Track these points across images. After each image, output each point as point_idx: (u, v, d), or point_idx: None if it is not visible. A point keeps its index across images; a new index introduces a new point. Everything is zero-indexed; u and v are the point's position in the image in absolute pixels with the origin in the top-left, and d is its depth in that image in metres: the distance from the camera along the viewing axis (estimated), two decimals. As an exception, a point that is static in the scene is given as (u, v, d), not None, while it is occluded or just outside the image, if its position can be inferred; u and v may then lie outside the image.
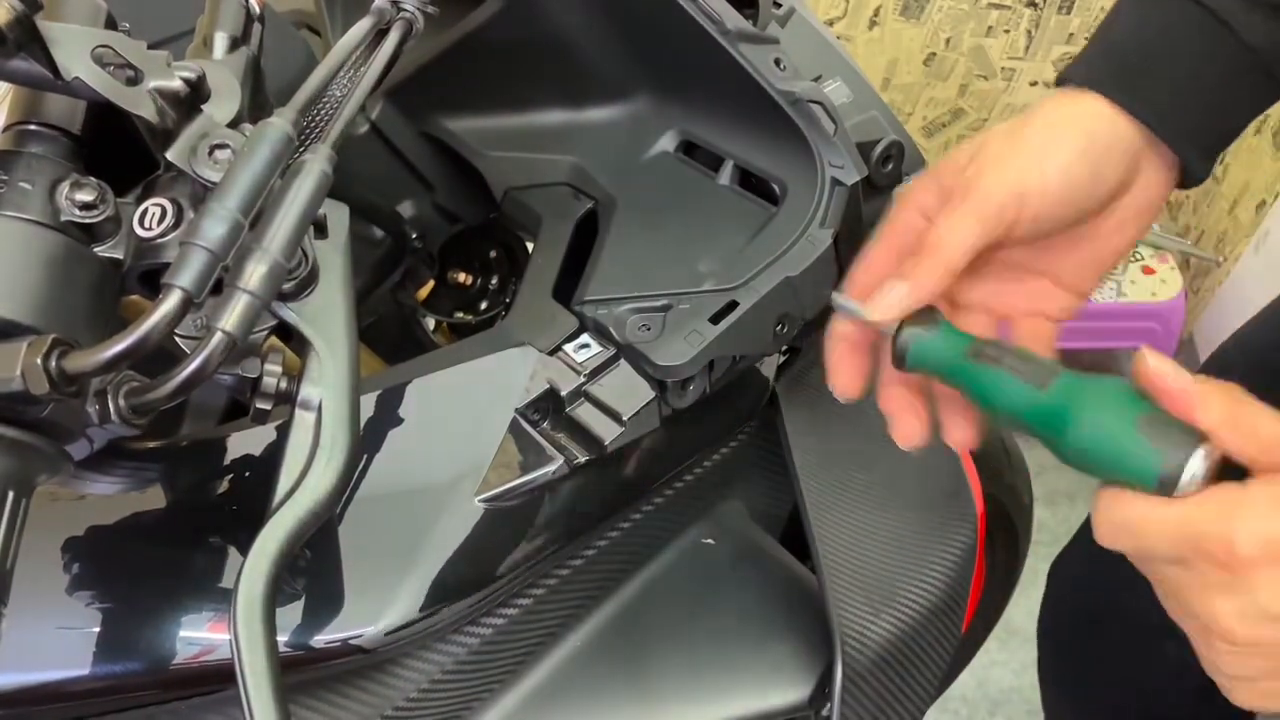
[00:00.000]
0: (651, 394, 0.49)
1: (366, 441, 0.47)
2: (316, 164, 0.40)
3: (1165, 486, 0.38)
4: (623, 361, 0.50)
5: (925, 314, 0.45)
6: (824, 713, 0.55)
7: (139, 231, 0.39)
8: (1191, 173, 0.49)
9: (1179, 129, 0.47)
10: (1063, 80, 0.49)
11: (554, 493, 0.50)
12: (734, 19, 0.49)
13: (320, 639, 0.45)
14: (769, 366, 0.62)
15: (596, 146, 0.59)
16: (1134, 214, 0.49)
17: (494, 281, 0.73)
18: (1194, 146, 0.48)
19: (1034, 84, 1.87)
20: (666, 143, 0.57)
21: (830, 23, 1.76)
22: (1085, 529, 0.92)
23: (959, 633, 0.61)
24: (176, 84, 0.39)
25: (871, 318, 0.45)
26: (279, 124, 0.38)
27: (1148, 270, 1.73)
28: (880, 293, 0.45)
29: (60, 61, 0.37)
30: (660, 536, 0.59)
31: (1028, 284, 0.50)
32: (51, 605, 0.44)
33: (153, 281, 0.41)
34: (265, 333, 0.43)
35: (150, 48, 0.39)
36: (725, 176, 0.55)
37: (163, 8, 0.51)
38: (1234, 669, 0.40)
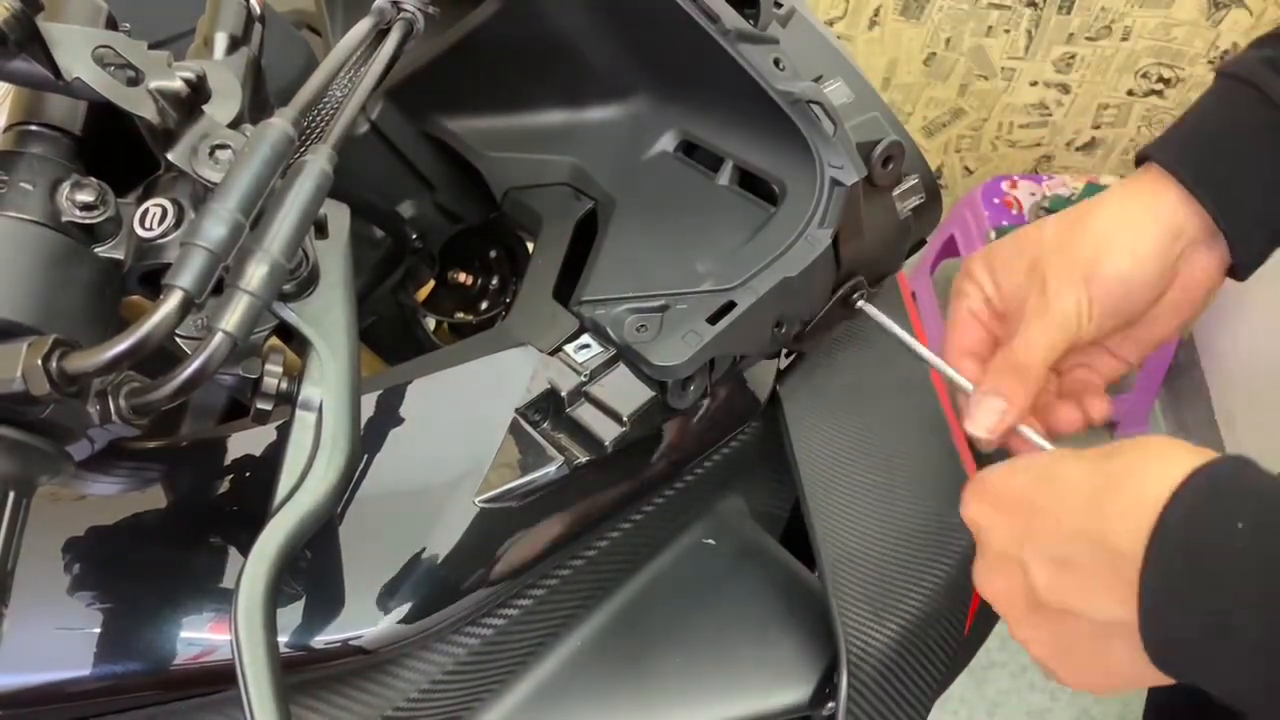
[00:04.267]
0: (652, 394, 0.49)
1: (367, 442, 0.47)
2: (317, 164, 0.40)
3: None
4: (623, 362, 0.50)
5: None
6: (824, 713, 0.55)
7: (140, 232, 0.39)
8: (1241, 267, 0.52)
9: (1240, 222, 0.51)
10: (1141, 158, 0.53)
11: (554, 493, 0.50)
12: (732, 18, 0.49)
13: (321, 639, 0.45)
14: (771, 366, 0.62)
15: (596, 147, 0.59)
16: (1185, 302, 0.53)
17: (494, 281, 0.73)
18: (1248, 243, 0.51)
19: (1034, 84, 1.87)
20: (666, 143, 0.57)
21: (830, 23, 1.77)
22: None
23: (961, 636, 0.61)
24: (177, 84, 0.39)
25: (977, 433, 0.50)
26: (280, 124, 0.38)
27: (1147, 270, 1.73)
28: (980, 409, 0.50)
29: (61, 62, 0.37)
30: (661, 537, 0.59)
31: (1084, 349, 0.55)
32: (52, 606, 0.44)
33: (153, 282, 0.41)
34: (266, 333, 0.43)
35: (151, 48, 0.39)
36: (724, 176, 0.55)
37: (163, 8, 0.51)
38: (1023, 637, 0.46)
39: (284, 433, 0.41)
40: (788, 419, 0.61)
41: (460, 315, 0.72)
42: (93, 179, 0.40)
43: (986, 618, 0.98)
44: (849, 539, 0.58)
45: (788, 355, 0.64)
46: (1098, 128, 1.97)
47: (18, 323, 0.36)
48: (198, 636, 0.44)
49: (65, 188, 0.39)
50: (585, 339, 0.50)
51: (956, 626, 0.60)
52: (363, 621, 0.45)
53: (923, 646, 0.57)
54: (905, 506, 0.62)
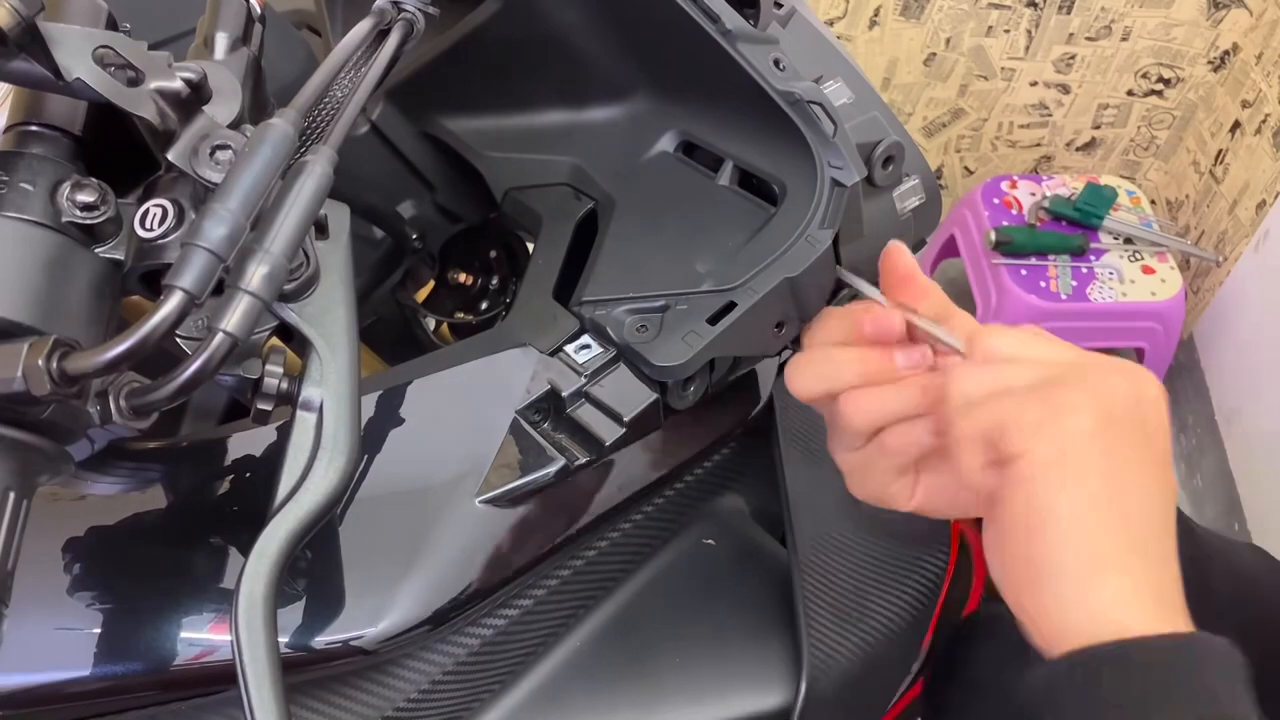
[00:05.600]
0: (652, 395, 0.49)
1: (367, 442, 0.47)
2: (318, 165, 0.40)
3: None
4: (623, 362, 0.50)
5: None
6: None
7: (140, 232, 0.39)
8: None
9: None
10: None
11: (555, 494, 0.50)
12: (732, 18, 0.49)
13: (321, 640, 0.45)
14: (771, 367, 0.62)
15: (596, 147, 0.59)
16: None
17: (494, 282, 0.73)
18: None
19: (1034, 84, 1.88)
20: (666, 143, 0.57)
21: (830, 23, 1.77)
22: None
23: (919, 653, 0.61)
24: (177, 85, 0.39)
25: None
26: (280, 125, 0.38)
27: (1148, 270, 1.74)
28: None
29: (61, 62, 0.37)
30: (660, 537, 0.59)
31: None
32: (53, 606, 0.44)
33: (154, 282, 0.41)
34: (266, 333, 0.43)
35: (151, 48, 0.39)
36: (725, 177, 0.55)
37: (163, 8, 0.51)
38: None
39: (284, 433, 0.41)
40: (780, 424, 0.61)
41: (460, 315, 0.72)
42: (93, 179, 0.40)
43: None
44: (825, 545, 0.58)
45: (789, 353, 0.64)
46: (1098, 128, 1.97)
47: (18, 323, 0.36)
48: (198, 636, 0.44)
49: (65, 188, 0.39)
50: (585, 339, 0.50)
51: (915, 646, 0.61)
52: (363, 622, 0.45)
53: (881, 664, 0.57)
54: (884, 522, 0.61)
